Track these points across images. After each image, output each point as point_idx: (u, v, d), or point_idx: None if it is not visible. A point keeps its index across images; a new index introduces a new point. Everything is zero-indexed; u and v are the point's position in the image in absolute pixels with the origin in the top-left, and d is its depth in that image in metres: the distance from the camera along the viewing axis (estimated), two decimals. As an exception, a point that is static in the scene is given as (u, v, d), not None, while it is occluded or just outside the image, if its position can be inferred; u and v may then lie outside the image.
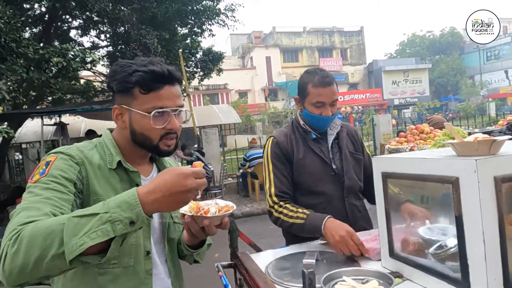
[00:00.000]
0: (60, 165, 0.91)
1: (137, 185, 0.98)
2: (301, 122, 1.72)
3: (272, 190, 1.62)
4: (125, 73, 0.96)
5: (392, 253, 1.13)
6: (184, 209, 0.94)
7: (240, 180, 8.74)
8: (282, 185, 1.63)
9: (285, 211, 1.56)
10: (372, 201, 1.84)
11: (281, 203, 1.59)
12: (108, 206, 0.76)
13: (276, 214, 1.59)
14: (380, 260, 1.18)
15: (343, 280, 0.91)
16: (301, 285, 1.08)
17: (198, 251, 1.13)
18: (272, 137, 1.75)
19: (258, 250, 1.46)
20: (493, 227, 0.81)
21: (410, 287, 1.01)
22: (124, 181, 1.00)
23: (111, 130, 1.09)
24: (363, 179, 1.76)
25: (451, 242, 0.97)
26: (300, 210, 1.54)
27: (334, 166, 1.67)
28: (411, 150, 3.68)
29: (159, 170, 1.12)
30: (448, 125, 0.89)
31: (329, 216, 1.45)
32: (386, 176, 1.12)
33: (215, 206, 0.97)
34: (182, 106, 1.02)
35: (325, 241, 1.45)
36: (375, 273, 0.94)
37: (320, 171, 1.66)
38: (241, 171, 8.59)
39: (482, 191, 0.81)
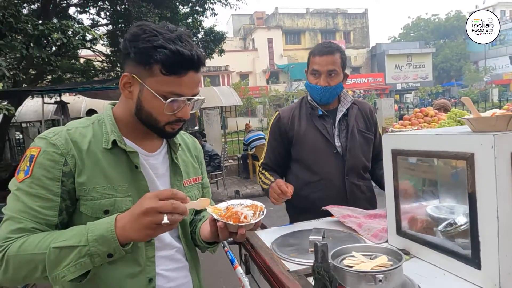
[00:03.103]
0: (43, 163, 0.83)
1: (136, 167, 0.91)
2: (309, 98, 1.71)
3: (262, 160, 1.79)
4: (149, 44, 0.84)
5: (400, 231, 1.12)
6: (214, 216, 0.89)
7: (241, 162, 8.76)
8: (269, 159, 1.76)
9: (262, 177, 1.71)
10: (377, 183, 1.85)
11: (263, 171, 1.74)
12: (86, 238, 0.77)
13: (258, 179, 1.76)
14: (386, 241, 1.18)
15: (352, 256, 0.90)
16: (307, 261, 1.09)
17: (214, 246, 1.09)
18: (277, 112, 1.81)
19: (263, 227, 1.45)
20: (507, 203, 0.80)
21: (419, 264, 1.01)
22: (121, 163, 0.91)
23: (113, 105, 1.01)
24: (372, 160, 1.75)
25: (461, 219, 0.96)
26: (271, 178, 1.64)
27: (337, 144, 1.65)
28: (414, 133, 3.66)
29: (169, 146, 1.04)
30: (466, 100, 0.87)
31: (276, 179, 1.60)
32: (396, 153, 1.10)
33: (243, 207, 0.91)
34: (198, 93, 0.93)
35: (333, 219, 1.45)
36: (383, 249, 0.93)
37: (321, 148, 1.66)
38: (242, 153, 8.62)
39: (498, 167, 0.79)
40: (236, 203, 0.97)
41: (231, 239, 1.34)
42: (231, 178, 8.69)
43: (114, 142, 0.91)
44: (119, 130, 0.94)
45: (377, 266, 0.85)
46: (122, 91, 0.92)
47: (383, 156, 1.15)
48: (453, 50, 39.25)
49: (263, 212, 0.92)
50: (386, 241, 1.18)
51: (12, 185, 0.86)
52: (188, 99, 0.90)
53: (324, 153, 1.65)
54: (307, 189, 1.67)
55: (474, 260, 0.86)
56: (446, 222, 1.00)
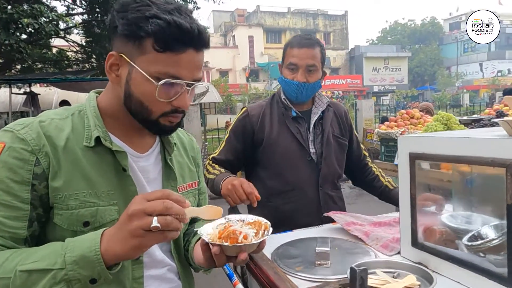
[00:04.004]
0: (9, 162, 0.67)
1: (124, 169, 0.75)
2: (282, 96, 1.54)
3: (215, 154, 1.56)
4: (140, 14, 0.69)
5: (416, 242, 1.02)
6: (209, 234, 0.72)
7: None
8: (224, 156, 1.54)
9: (210, 168, 1.50)
10: (357, 183, 1.76)
11: (213, 164, 1.52)
12: (63, 259, 0.61)
13: (204, 171, 1.49)
14: (398, 253, 1.08)
15: (374, 273, 0.79)
16: (316, 277, 0.97)
17: (209, 269, 0.91)
18: (245, 108, 1.59)
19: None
20: (553, 218, 0.71)
21: (440, 280, 0.91)
22: (105, 164, 0.75)
23: (98, 93, 0.83)
24: (350, 163, 1.64)
25: (489, 232, 0.88)
26: (221, 170, 1.46)
27: (312, 150, 1.50)
28: (401, 134, 3.65)
29: (163, 145, 0.88)
30: (509, 98, 0.77)
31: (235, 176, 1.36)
32: (415, 157, 1.00)
33: (244, 224, 0.75)
34: (200, 79, 0.76)
35: (334, 226, 1.34)
36: (406, 266, 0.83)
37: (294, 154, 1.49)
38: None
39: (546, 176, 0.69)
40: (236, 218, 0.82)
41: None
42: (211, 176, 8.51)
43: (97, 139, 0.74)
44: (104, 124, 0.77)
45: (406, 287, 0.74)
46: (108, 74, 0.75)
47: (399, 160, 1.05)
48: (427, 55, 40.53)
49: (268, 231, 0.76)
50: (398, 253, 1.08)
51: None
52: (188, 85, 0.73)
53: (297, 160, 1.48)
54: (277, 199, 1.49)
55: (510, 280, 0.76)
56: (470, 235, 0.91)
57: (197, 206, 1.04)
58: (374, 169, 1.71)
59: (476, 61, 37.82)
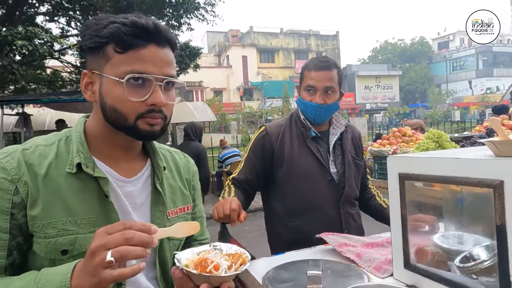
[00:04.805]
0: None
1: (106, 196, 0.74)
2: (302, 117, 1.56)
3: (235, 174, 1.56)
4: (99, 26, 0.72)
5: (408, 264, 1.01)
6: (187, 259, 0.68)
7: (215, 179, 8.53)
8: (243, 175, 1.54)
9: (226, 191, 1.49)
10: (365, 210, 1.75)
11: (232, 185, 1.52)
12: None
13: (222, 193, 1.52)
14: (390, 275, 1.06)
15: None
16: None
17: None
18: (263, 127, 1.60)
19: (251, 257, 1.30)
20: (543, 239, 0.70)
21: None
22: (88, 191, 0.73)
23: (87, 117, 0.83)
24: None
25: (481, 253, 0.87)
26: (231, 194, 1.45)
27: (332, 170, 1.52)
28: (394, 152, 3.67)
29: (153, 168, 0.86)
30: (494, 120, 0.78)
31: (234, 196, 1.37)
32: (404, 178, 1.00)
33: (222, 255, 0.71)
34: (173, 77, 0.75)
35: (326, 247, 1.32)
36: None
37: (314, 173, 1.50)
38: (216, 170, 8.42)
39: (533, 197, 0.69)
40: (221, 247, 0.78)
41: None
42: (206, 195, 8.43)
43: (79, 165, 0.73)
44: (91, 148, 0.76)
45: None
46: (84, 94, 0.76)
47: (388, 180, 1.05)
48: (418, 73, 41.38)
49: (244, 265, 0.72)
50: (391, 275, 1.07)
51: None
52: (158, 80, 0.73)
53: (317, 179, 1.50)
54: (297, 219, 1.50)
55: (503, 303, 0.75)
56: (462, 256, 0.90)
57: None
58: (372, 189, 1.74)
59: (465, 78, 38.68)
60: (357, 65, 41.50)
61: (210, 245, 0.78)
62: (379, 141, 4.03)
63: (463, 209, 0.97)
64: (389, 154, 3.71)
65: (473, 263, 0.84)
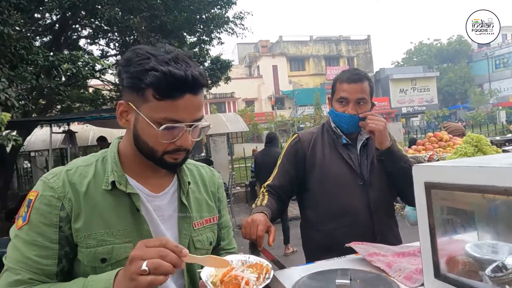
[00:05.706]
0: (40, 208, 0.78)
1: (138, 210, 0.83)
2: (333, 125, 1.61)
3: (269, 181, 1.62)
4: (140, 68, 0.78)
5: (438, 274, 1.00)
6: (211, 276, 0.74)
7: (249, 189, 8.61)
8: (278, 181, 1.60)
9: (259, 199, 1.55)
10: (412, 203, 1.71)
11: (266, 193, 1.57)
12: None
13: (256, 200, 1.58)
14: (421, 285, 1.05)
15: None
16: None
17: None
18: (295, 135, 1.68)
19: (281, 267, 1.33)
20: None
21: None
22: (122, 205, 0.83)
23: (120, 138, 0.93)
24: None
25: (513, 262, 0.85)
26: (264, 202, 1.50)
27: (363, 175, 1.55)
28: (430, 158, 3.54)
29: (179, 183, 0.94)
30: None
31: (265, 210, 1.39)
32: (430, 187, 1.00)
33: (246, 267, 0.76)
34: (201, 118, 0.83)
35: (357, 257, 1.33)
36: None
37: (346, 179, 1.54)
38: (249, 180, 8.50)
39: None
40: (238, 259, 0.84)
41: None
42: (239, 205, 8.53)
43: (113, 183, 0.83)
44: (124, 167, 0.86)
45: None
46: (119, 120, 0.85)
47: (415, 189, 1.05)
48: (457, 74, 39.47)
49: (269, 274, 0.77)
50: (422, 285, 1.06)
51: (11, 232, 0.80)
52: (188, 126, 0.80)
53: (349, 184, 1.53)
54: (330, 224, 1.54)
55: (536, 314, 0.73)
56: (494, 265, 0.88)
57: (218, 239, 1.07)
58: None
59: (510, 76, 36.36)
60: (391, 68, 40.35)
61: (227, 258, 0.82)
62: (414, 147, 3.91)
63: (497, 217, 0.95)
64: (425, 160, 3.60)
65: (505, 272, 0.83)
